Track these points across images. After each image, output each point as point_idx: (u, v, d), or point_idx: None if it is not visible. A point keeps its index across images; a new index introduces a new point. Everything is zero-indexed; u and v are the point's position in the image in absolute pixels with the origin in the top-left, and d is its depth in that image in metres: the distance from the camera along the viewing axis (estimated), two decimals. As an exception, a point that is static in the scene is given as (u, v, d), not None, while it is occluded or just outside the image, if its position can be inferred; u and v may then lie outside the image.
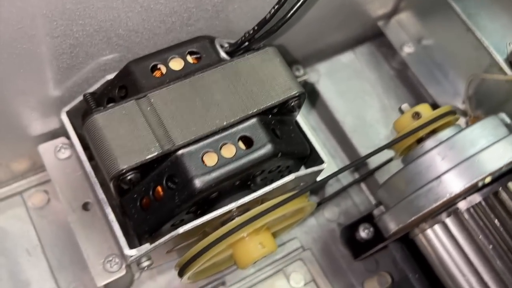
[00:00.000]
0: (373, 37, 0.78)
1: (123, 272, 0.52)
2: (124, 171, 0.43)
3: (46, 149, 0.57)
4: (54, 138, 0.58)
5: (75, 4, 0.43)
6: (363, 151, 0.68)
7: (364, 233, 0.62)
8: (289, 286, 0.63)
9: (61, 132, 0.57)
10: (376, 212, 0.59)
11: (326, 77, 0.74)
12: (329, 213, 0.68)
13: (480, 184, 0.44)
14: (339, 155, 0.71)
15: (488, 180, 0.44)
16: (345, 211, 0.68)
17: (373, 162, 0.66)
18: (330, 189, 0.68)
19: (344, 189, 0.62)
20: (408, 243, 0.55)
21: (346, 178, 0.69)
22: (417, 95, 0.73)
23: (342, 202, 0.69)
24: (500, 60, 0.60)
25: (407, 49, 0.73)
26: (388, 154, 0.63)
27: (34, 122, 0.54)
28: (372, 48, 0.78)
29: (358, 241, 0.61)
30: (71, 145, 0.57)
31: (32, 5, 0.40)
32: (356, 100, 0.73)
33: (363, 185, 0.69)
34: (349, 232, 0.62)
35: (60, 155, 0.56)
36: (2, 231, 0.60)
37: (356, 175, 0.69)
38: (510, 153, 0.46)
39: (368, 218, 0.63)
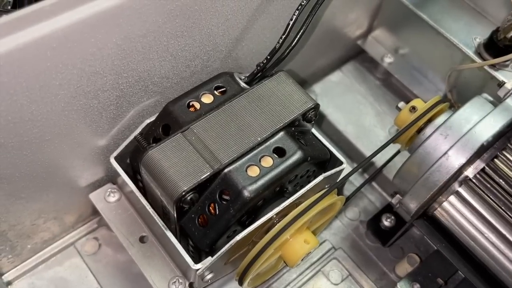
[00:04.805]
0: (356, 55, 0.88)
1: (187, 290, 0.58)
2: (185, 192, 0.50)
3: (96, 196, 0.63)
4: (100, 186, 0.64)
5: (121, 59, 0.51)
6: (368, 153, 0.76)
7: (387, 222, 0.69)
8: (330, 283, 0.69)
9: (106, 179, 0.64)
10: (393, 201, 0.66)
11: (322, 96, 0.83)
12: (350, 213, 0.75)
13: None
14: (347, 161, 0.79)
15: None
16: (363, 209, 0.76)
17: (380, 161, 0.75)
18: (347, 192, 0.76)
19: (361, 187, 0.69)
20: (428, 221, 0.62)
21: (358, 180, 0.77)
22: (404, 97, 0.83)
23: (359, 202, 0.76)
24: (470, 53, 0.70)
25: (387, 60, 0.83)
26: (390, 152, 0.72)
27: (85, 172, 0.61)
28: (357, 65, 0.87)
29: (383, 230, 0.69)
30: (118, 189, 0.64)
31: (90, 65, 0.48)
32: (352, 111, 0.82)
33: (374, 184, 0.77)
34: (374, 224, 0.70)
35: (110, 199, 0.63)
36: (63, 280, 0.65)
37: (366, 176, 0.77)
38: (500, 122, 0.54)
39: (387, 209, 0.71)
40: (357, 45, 0.85)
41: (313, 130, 0.63)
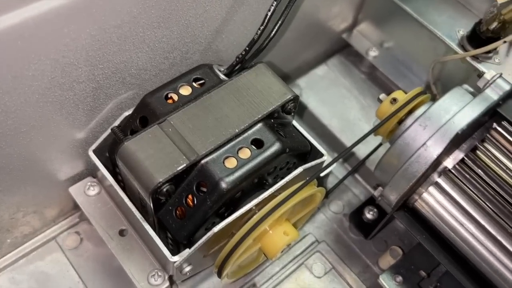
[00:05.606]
0: (341, 49, 0.87)
1: (166, 283, 0.58)
2: (160, 183, 0.50)
3: (76, 190, 0.63)
4: (80, 180, 0.64)
5: (96, 50, 0.50)
6: (353, 147, 0.77)
7: (369, 214, 0.69)
8: (313, 276, 0.69)
9: (86, 172, 0.64)
10: (376, 193, 0.66)
11: (307, 89, 0.82)
12: (334, 207, 0.75)
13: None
14: (332, 155, 0.79)
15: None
16: (347, 202, 0.75)
17: (363, 153, 0.74)
18: (330, 185, 0.76)
19: (343, 180, 0.69)
20: (409, 213, 0.62)
21: (342, 174, 0.77)
22: (389, 91, 0.81)
23: (343, 195, 0.76)
24: (453, 45, 0.71)
25: (372, 53, 0.83)
26: (374, 144, 0.72)
27: (64, 165, 0.60)
28: (342, 59, 0.87)
29: (366, 223, 0.69)
30: (98, 183, 0.63)
31: (63, 55, 0.48)
32: (337, 105, 0.81)
33: (358, 177, 0.77)
34: (356, 216, 0.70)
35: (90, 192, 0.63)
36: (44, 275, 0.65)
37: (349, 168, 0.77)
38: (476, 112, 0.54)
39: (370, 202, 0.70)
40: (342, 38, 0.85)
41: (295, 123, 0.63)
